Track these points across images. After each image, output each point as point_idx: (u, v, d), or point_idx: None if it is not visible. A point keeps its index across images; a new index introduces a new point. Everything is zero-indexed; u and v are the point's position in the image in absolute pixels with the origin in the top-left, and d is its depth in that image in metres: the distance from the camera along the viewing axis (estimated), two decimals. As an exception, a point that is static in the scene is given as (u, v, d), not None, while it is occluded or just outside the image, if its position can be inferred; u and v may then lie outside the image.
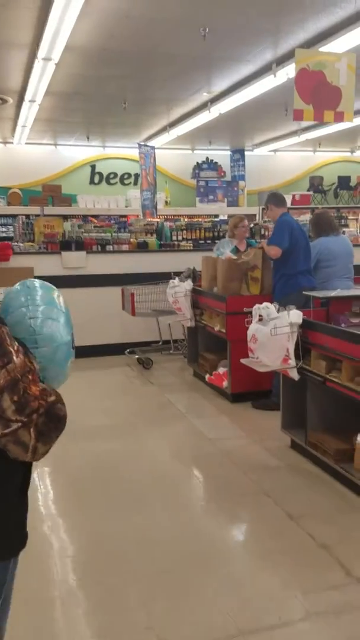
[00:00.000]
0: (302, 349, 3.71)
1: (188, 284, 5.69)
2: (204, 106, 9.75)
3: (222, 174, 14.69)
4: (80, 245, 6.97)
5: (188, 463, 4.07)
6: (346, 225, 11.86)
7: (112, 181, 13.86)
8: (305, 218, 11.71)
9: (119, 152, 13.43)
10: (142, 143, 11.71)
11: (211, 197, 14.31)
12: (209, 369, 5.52)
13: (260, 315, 3.90)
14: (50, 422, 1.27)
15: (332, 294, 3.99)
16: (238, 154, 14.94)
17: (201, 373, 5.71)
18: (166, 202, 13.60)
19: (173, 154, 14.17)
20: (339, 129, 11.86)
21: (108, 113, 10.17)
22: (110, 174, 13.80)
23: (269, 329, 3.68)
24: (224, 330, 5.07)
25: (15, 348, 1.28)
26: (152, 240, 7.37)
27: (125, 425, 4.74)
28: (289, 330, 3.67)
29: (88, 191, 13.19)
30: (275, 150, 15.18)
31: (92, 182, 13.72)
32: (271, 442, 4.19)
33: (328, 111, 5.35)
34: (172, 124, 11.19)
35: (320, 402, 3.79)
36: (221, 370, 5.22)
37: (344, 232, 8.16)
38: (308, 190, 15.53)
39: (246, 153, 14.90)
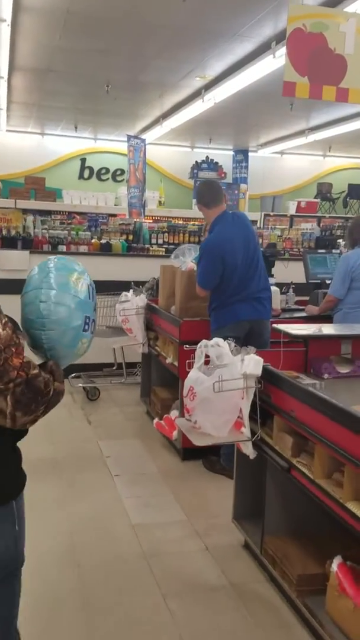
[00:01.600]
0: (262, 411, 2.45)
1: (141, 299, 4.43)
2: (197, 94, 8.51)
3: (223, 175, 13.42)
4: (28, 243, 5.74)
5: (76, 577, 2.59)
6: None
7: (103, 177, 12.64)
8: (308, 227, 10.39)
9: (112, 145, 12.21)
10: (133, 135, 10.48)
11: (210, 199, 13.04)
12: (160, 409, 4.26)
13: (207, 357, 2.64)
14: (29, 392, 1.33)
15: (310, 330, 2.71)
16: (241, 155, 13.66)
17: (152, 413, 4.46)
18: (160, 203, 12.35)
19: (170, 150, 12.94)
20: (352, 130, 10.57)
21: (92, 98, 8.95)
22: (101, 169, 12.58)
23: (213, 381, 2.41)
24: (176, 364, 3.81)
25: (3, 322, 1.34)
26: (117, 242, 6.11)
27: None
28: (243, 385, 2.40)
29: (77, 186, 11.98)
30: (281, 153, 13.89)
31: (81, 176, 12.51)
32: (218, 537, 2.91)
33: (328, 87, 4.08)
34: (166, 115, 9.95)
35: (283, 493, 2.53)
36: (173, 414, 3.96)
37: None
38: (315, 197, 14.22)
39: (250, 154, 13.62)
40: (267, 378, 2.44)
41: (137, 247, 6.43)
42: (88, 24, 6.03)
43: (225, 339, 3.33)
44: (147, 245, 6.97)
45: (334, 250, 5.15)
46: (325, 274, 4.72)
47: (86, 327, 1.53)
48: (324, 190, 14.35)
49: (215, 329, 3.60)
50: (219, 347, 2.61)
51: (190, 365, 2.67)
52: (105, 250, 6.13)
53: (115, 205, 11.69)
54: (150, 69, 7.47)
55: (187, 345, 2.68)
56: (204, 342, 2.65)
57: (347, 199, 14.38)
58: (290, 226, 12.50)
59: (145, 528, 2.99)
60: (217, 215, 3.67)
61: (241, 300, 3.55)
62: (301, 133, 11.56)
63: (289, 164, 14.31)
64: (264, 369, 2.43)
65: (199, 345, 2.65)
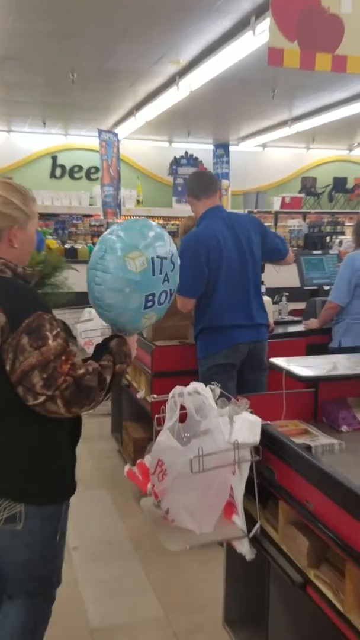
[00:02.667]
0: (262, 487, 1.71)
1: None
2: (172, 81, 7.73)
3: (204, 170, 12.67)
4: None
5: None
6: (342, 233, 9.83)
7: (76, 175, 11.81)
8: (295, 223, 9.66)
9: (84, 141, 11.37)
10: (104, 129, 9.68)
11: (190, 196, 12.30)
12: (132, 452, 3.49)
13: (182, 409, 1.88)
14: (80, 392, 1.46)
15: (323, 367, 1.95)
16: (222, 149, 12.90)
17: (123, 454, 3.69)
18: (138, 201, 11.57)
19: (147, 146, 12.15)
20: (337, 118, 9.85)
21: (58, 89, 8.12)
22: (74, 167, 11.74)
23: (190, 456, 1.65)
24: (149, 400, 3.05)
25: (54, 333, 1.46)
26: (83, 247, 5.33)
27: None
28: (234, 460, 1.65)
29: (48, 186, 11.17)
30: (263, 146, 13.14)
31: (53, 175, 11.66)
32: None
33: (323, 54, 3.33)
34: (139, 106, 9.15)
35: (292, 599, 1.78)
36: (148, 459, 3.18)
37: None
38: (300, 192, 13.53)
39: (231, 148, 12.86)
40: (268, 445, 1.69)
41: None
42: (43, 3, 5.24)
43: (217, 369, 2.59)
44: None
45: (331, 252, 4.41)
46: (323, 278, 3.99)
47: (149, 304, 1.53)
48: (308, 185, 13.65)
49: (204, 356, 2.86)
50: (198, 395, 1.85)
51: (161, 422, 1.91)
52: (70, 256, 5.34)
53: (90, 205, 10.90)
54: (118, 54, 6.68)
55: (155, 396, 1.91)
56: (177, 389, 1.88)
57: (332, 193, 13.69)
58: (275, 223, 11.79)
59: (107, 634, 2.22)
60: (208, 208, 2.94)
61: (235, 317, 2.82)
62: (284, 123, 10.82)
63: (271, 157, 13.58)
64: (265, 432, 1.68)
65: (171, 393, 1.89)
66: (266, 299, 3.74)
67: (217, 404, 1.86)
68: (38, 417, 1.48)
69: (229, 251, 2.86)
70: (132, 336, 1.66)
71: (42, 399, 1.42)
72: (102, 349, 1.58)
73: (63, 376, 1.41)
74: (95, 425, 4.28)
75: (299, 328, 3.77)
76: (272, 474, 1.69)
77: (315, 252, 4.44)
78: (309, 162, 14.13)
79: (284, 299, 4.10)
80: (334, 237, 8.40)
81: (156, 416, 1.91)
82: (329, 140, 13.02)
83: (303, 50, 3.26)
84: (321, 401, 2.08)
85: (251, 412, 1.72)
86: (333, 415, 2.01)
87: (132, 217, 9.48)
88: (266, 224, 12.34)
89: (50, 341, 1.43)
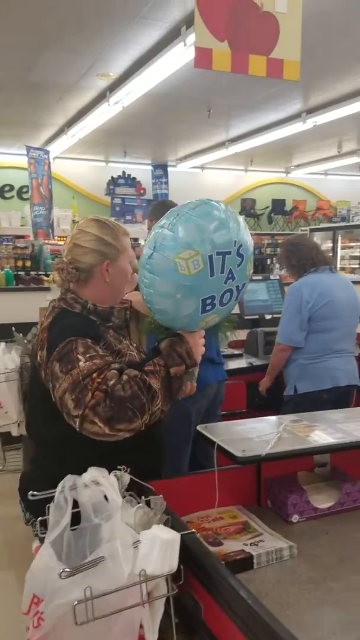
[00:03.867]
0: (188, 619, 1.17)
1: (12, 359, 3.05)
2: (102, 97, 7.27)
3: (142, 191, 12.26)
4: None
5: None
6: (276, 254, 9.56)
7: (7, 195, 11.12)
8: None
9: (15, 160, 10.71)
10: (34, 147, 9.09)
11: (129, 217, 11.83)
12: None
13: (55, 518, 1.31)
14: (115, 404, 1.29)
15: (266, 448, 1.43)
16: (160, 170, 12.54)
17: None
18: (73, 221, 10.97)
19: (83, 165, 11.62)
20: (273, 140, 9.64)
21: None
22: (4, 185, 11.06)
23: (74, 599, 1.09)
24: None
25: (89, 355, 1.36)
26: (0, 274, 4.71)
27: None
28: (140, 598, 1.11)
29: (-24, 207, 10.45)
30: (202, 167, 12.88)
31: (-19, 195, 10.95)
32: None
33: (256, 56, 2.92)
34: (70, 123, 8.63)
35: None
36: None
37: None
38: (240, 213, 13.28)
39: (169, 169, 12.52)
40: (191, 568, 1.17)
41: (27, 279, 5.04)
42: None
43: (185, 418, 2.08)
44: (48, 273, 5.61)
45: (272, 277, 3.97)
46: (265, 307, 3.54)
47: (208, 307, 1.34)
48: (247, 207, 13.48)
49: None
50: (97, 486, 1.31)
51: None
52: (-15, 283, 4.72)
53: (22, 225, 10.25)
54: (42, 64, 6.15)
55: (35, 493, 1.35)
56: (69, 479, 1.33)
57: (272, 215, 13.56)
58: (215, 244, 11.47)
59: None
60: None
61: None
62: (221, 145, 10.57)
63: (210, 179, 13.33)
64: (186, 549, 1.16)
65: (59, 487, 1.33)
66: (201, 331, 3.27)
67: (124, 496, 1.33)
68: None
69: None
70: (194, 333, 1.42)
71: (78, 421, 1.31)
72: (150, 353, 1.43)
73: (91, 392, 1.30)
74: (7, 484, 3.62)
75: (241, 364, 3.30)
76: (198, 608, 1.16)
77: (255, 277, 4.00)
78: (248, 184, 13.98)
79: (222, 329, 3.63)
80: (274, 259, 8.09)
81: (39, 519, 1.35)
82: (266, 163, 12.90)
83: (234, 51, 2.84)
84: (265, 479, 1.59)
85: (168, 517, 1.20)
86: (280, 501, 1.52)
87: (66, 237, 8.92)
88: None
89: (81, 363, 1.35)
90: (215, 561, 1.14)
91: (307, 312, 2.75)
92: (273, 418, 1.65)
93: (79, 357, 1.35)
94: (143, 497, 1.29)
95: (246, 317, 3.53)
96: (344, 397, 2.77)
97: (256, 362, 3.24)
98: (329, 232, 10.33)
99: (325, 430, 1.53)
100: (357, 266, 9.60)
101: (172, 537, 1.12)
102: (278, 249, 9.97)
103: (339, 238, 10.01)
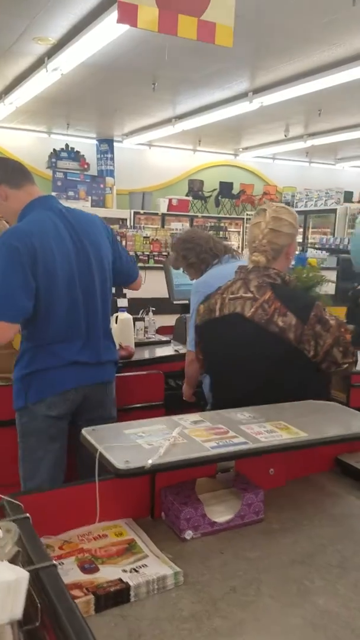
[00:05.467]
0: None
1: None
2: (40, 62, 6.84)
3: (86, 166, 11.84)
4: None
5: None
6: (226, 239, 9.41)
7: None
8: (179, 227, 9.06)
9: None
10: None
11: (71, 193, 11.37)
12: None
13: None
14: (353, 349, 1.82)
15: (152, 458, 1.22)
16: (105, 144, 12.15)
17: None
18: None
19: (23, 136, 11.11)
20: (221, 119, 9.44)
21: None
22: None
23: None
24: None
25: (328, 314, 1.80)
26: None
27: None
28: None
29: None
30: (149, 144, 12.56)
31: None
32: None
33: (186, 17, 2.66)
34: (8, 90, 8.14)
35: None
36: None
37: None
38: (187, 195, 13.11)
39: (115, 144, 12.16)
40: (49, 609, 0.95)
41: None
42: None
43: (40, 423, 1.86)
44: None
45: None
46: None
47: None
48: (195, 188, 13.27)
49: (22, 406, 2.05)
50: None
51: None
52: None
53: None
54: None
55: None
56: None
57: (219, 198, 13.40)
58: (162, 225, 11.21)
59: None
60: (33, 199, 2.09)
61: (68, 353, 2.04)
62: (168, 121, 10.29)
63: (158, 157, 13.02)
64: (41, 586, 0.94)
65: None
66: (125, 316, 3.04)
67: None
68: None
69: (68, 257, 2.03)
70: None
71: (345, 366, 1.81)
72: None
73: (349, 343, 1.79)
74: None
75: (168, 351, 3.09)
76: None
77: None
78: (196, 165, 13.76)
79: (150, 313, 3.41)
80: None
81: None
82: (215, 144, 12.71)
83: (162, 9, 2.57)
84: (159, 489, 1.39)
85: (18, 549, 0.97)
86: (173, 514, 1.32)
87: None
88: (153, 226, 11.69)
89: (331, 322, 1.77)
90: (68, 601, 0.93)
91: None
92: (174, 419, 1.45)
93: (327, 317, 1.77)
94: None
95: (175, 302, 3.32)
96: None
97: (183, 349, 3.04)
98: (274, 217, 10.24)
99: (224, 434, 1.34)
100: (298, 252, 9.57)
101: (15, 578, 0.90)
102: (221, 233, 9.80)
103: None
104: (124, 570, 1.17)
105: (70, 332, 2.05)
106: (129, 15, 2.54)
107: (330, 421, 1.52)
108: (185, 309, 3.40)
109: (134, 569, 1.18)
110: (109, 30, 5.41)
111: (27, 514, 1.15)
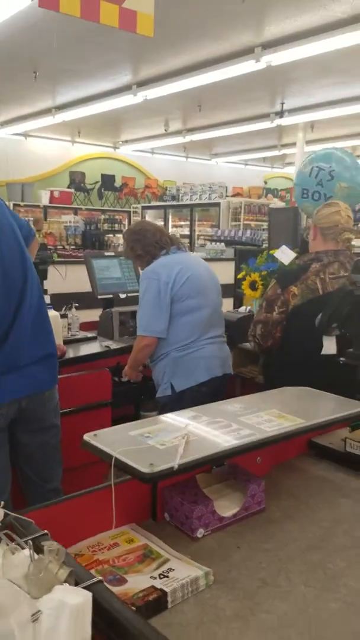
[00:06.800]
0: None
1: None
2: None
3: None
4: None
5: None
6: (120, 232, 9.33)
7: None
8: (71, 219, 8.74)
9: None
10: None
11: None
12: None
13: None
14: None
15: (176, 458, 1.18)
16: (-21, 134, 11.45)
17: None
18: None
19: None
20: (101, 111, 9.30)
21: None
22: None
23: None
24: None
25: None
26: None
27: None
28: None
29: None
30: (25, 135, 12.05)
31: None
32: None
33: (108, 4, 2.58)
34: None
35: None
36: None
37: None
38: (69, 187, 12.77)
39: (-12, 134, 11.50)
40: (103, 630, 0.88)
41: None
42: None
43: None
44: None
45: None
46: (119, 285, 3.28)
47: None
48: (77, 180, 12.97)
49: None
50: None
51: None
52: None
53: None
54: None
55: None
56: None
57: (102, 190, 13.23)
58: (45, 218, 10.82)
59: None
60: None
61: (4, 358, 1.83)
62: (47, 111, 9.94)
63: (36, 148, 12.53)
64: (105, 615, 0.87)
65: None
66: (53, 313, 2.88)
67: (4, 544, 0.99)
68: None
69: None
70: None
71: None
72: None
73: None
74: None
75: (95, 348, 2.99)
76: None
77: (107, 253, 3.69)
78: (76, 157, 13.45)
79: (73, 309, 3.27)
80: (111, 235, 7.84)
81: None
82: (94, 135, 12.52)
83: (85, -7, 2.47)
84: (161, 489, 1.35)
85: (72, 569, 0.89)
86: (182, 514, 1.29)
87: None
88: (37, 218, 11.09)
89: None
90: (131, 615, 0.88)
91: (168, 294, 2.48)
92: (169, 417, 1.40)
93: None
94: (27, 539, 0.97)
95: (99, 297, 3.23)
96: (221, 387, 2.58)
97: (113, 345, 2.97)
98: (160, 210, 10.34)
99: (229, 427, 1.33)
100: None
101: (82, 601, 0.82)
102: (115, 225, 9.69)
103: (170, 217, 10.08)
104: (152, 577, 1.13)
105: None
106: (50, 0, 2.40)
107: (315, 405, 1.57)
108: (109, 303, 3.32)
109: (162, 575, 1.13)
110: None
111: (46, 531, 1.06)
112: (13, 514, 1.10)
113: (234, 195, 12.19)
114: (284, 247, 2.60)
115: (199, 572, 1.13)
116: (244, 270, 2.72)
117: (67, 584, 0.87)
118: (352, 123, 10.57)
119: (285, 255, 2.48)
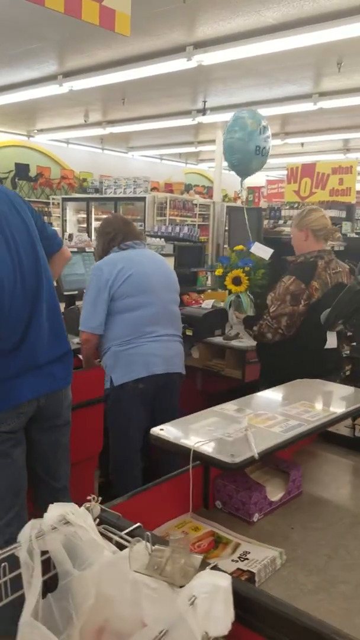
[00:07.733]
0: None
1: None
2: None
3: None
4: None
5: None
6: (51, 224, 9.09)
7: None
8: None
9: None
10: None
11: None
12: None
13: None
14: None
15: (253, 448, 1.25)
16: None
17: None
18: None
19: None
20: (15, 101, 9.02)
21: None
22: None
23: None
24: None
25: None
26: None
27: None
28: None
29: None
30: None
31: None
32: None
33: (90, 1, 2.57)
34: None
35: None
36: None
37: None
38: (-20, 175, 12.20)
39: None
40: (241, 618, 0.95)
41: None
42: None
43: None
44: None
45: (87, 249, 3.67)
46: (83, 282, 3.26)
47: None
48: (-11, 168, 12.42)
49: None
50: (69, 526, 1.00)
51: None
52: None
53: None
54: None
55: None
56: (31, 526, 0.98)
57: (16, 180, 12.76)
58: None
59: None
60: None
61: (19, 360, 1.78)
62: None
63: None
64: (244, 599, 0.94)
65: (21, 536, 0.97)
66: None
67: (101, 533, 1.04)
68: None
69: (13, 242, 1.75)
70: None
71: None
72: None
73: None
74: None
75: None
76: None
77: (70, 249, 3.63)
78: (-12, 145, 12.88)
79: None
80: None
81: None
82: (7, 123, 12.06)
83: (68, -12, 2.44)
84: (213, 478, 1.42)
85: (201, 556, 0.95)
86: (239, 501, 1.37)
87: None
88: None
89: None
90: (267, 595, 0.96)
91: (107, 292, 2.50)
92: (216, 409, 1.47)
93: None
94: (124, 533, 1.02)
95: (65, 293, 3.20)
96: (165, 387, 2.59)
97: (78, 341, 2.96)
98: (82, 203, 10.19)
99: (276, 419, 1.43)
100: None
101: (229, 583, 0.89)
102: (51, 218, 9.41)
103: (93, 209, 9.96)
104: (234, 560, 1.21)
105: (14, 339, 1.84)
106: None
107: (334, 396, 1.71)
108: (71, 300, 3.30)
109: (241, 558, 1.22)
110: None
111: (139, 523, 1.11)
112: (105, 507, 1.13)
113: (150, 190, 12.27)
114: (257, 244, 2.73)
115: (275, 553, 1.23)
116: (220, 268, 2.82)
117: (209, 570, 0.93)
118: (271, 123, 11.01)
119: (263, 251, 2.62)
